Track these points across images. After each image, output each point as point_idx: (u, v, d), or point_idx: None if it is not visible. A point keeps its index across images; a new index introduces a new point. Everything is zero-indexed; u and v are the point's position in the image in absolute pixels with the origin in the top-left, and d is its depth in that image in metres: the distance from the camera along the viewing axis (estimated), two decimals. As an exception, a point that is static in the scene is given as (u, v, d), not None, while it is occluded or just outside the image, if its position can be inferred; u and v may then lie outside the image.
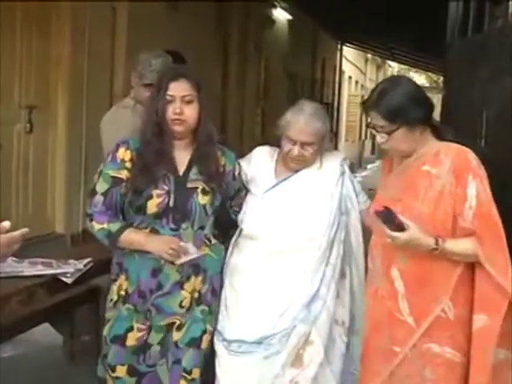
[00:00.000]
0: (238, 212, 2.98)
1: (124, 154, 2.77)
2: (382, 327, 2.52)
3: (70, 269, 3.23)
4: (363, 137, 25.55)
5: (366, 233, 2.88)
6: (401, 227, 2.33)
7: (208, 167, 2.80)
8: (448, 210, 2.36)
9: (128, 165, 2.75)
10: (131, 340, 2.79)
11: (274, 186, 2.96)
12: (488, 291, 2.36)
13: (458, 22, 3.96)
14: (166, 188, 2.73)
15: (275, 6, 12.63)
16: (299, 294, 2.82)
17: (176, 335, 2.81)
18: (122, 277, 2.81)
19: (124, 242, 2.74)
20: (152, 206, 2.71)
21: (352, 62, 22.90)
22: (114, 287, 2.84)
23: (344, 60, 21.01)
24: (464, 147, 2.41)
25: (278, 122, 2.93)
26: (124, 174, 2.75)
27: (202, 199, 2.76)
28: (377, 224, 2.46)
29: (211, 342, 2.87)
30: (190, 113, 2.73)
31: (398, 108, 2.40)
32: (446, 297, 2.39)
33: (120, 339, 2.79)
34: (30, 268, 3.27)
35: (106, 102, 6.05)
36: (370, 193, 2.95)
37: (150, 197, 2.70)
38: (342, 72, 20.90)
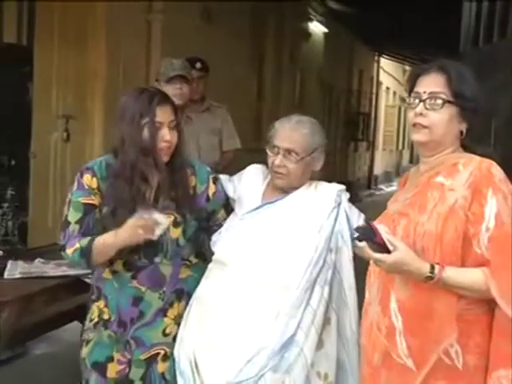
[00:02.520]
0: (219, 229, 2.67)
1: (90, 181, 2.49)
2: (378, 369, 2.06)
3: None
4: (401, 146, 25.39)
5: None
6: (385, 247, 1.89)
7: (180, 194, 2.52)
8: (459, 229, 1.89)
9: (96, 192, 2.48)
10: (112, 372, 2.53)
11: (256, 209, 2.59)
12: (507, 340, 1.85)
13: (470, 32, 3.97)
14: None
15: (311, 20, 12.66)
16: (271, 338, 2.37)
17: (162, 366, 2.53)
18: (102, 302, 2.57)
19: (98, 251, 2.43)
20: None
21: (390, 73, 22.76)
22: (95, 307, 2.59)
23: (382, 71, 20.90)
24: (489, 160, 1.97)
25: (267, 135, 2.61)
26: (96, 200, 2.49)
27: (174, 233, 2.49)
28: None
29: None
30: (175, 139, 2.48)
31: (466, 82, 2.01)
32: (450, 337, 1.91)
33: (101, 368, 2.54)
34: (55, 269, 3.35)
35: (140, 112, 6.11)
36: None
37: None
38: (379, 83, 20.80)
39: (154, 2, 6.59)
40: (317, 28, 13.10)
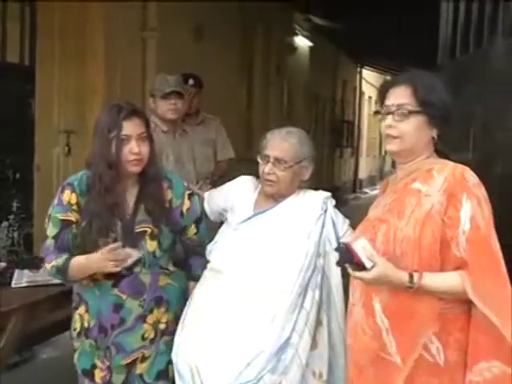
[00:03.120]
0: (190, 243, 2.68)
1: (70, 196, 2.49)
2: (365, 369, 2.05)
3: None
4: (383, 152, 25.45)
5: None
6: (362, 266, 1.89)
7: (155, 206, 2.51)
8: (436, 234, 1.90)
9: (75, 207, 2.47)
10: (98, 378, 2.55)
11: (249, 218, 2.61)
12: (486, 335, 1.87)
13: (447, 44, 3.98)
14: (112, 235, 2.45)
15: (297, 34, 12.71)
16: (268, 341, 2.39)
17: (140, 367, 2.54)
18: (83, 307, 2.56)
19: (73, 272, 2.45)
20: None
21: (371, 83, 22.83)
22: (77, 316, 2.59)
23: (364, 82, 20.98)
24: (462, 165, 1.98)
25: (260, 145, 2.65)
26: (73, 216, 2.47)
27: (150, 246, 2.47)
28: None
29: None
30: (146, 151, 2.46)
31: (433, 90, 2.00)
32: (429, 331, 1.92)
33: (89, 374, 2.57)
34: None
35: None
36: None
37: (97, 247, 2.42)
38: (361, 93, 20.87)
39: (148, 19, 6.58)
40: (302, 42, 13.15)
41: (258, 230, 2.57)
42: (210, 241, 2.72)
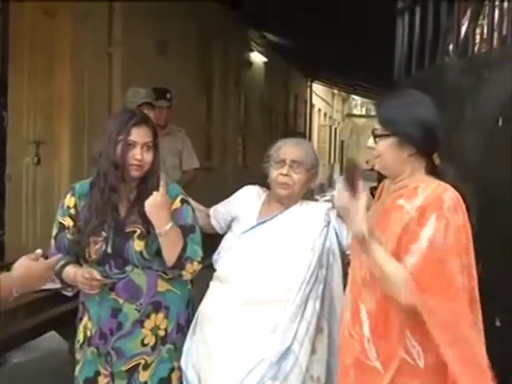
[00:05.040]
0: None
1: (69, 200, 2.50)
2: (349, 369, 2.04)
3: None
4: (332, 160, 25.74)
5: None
6: (353, 189, 1.86)
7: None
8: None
9: (72, 211, 2.48)
10: None
11: (253, 227, 2.54)
12: None
13: (403, 60, 4.02)
14: (104, 234, 2.41)
15: (252, 50, 12.79)
16: (270, 349, 2.35)
17: (143, 375, 2.46)
18: (86, 316, 2.52)
19: (66, 279, 2.43)
20: (91, 253, 2.41)
21: (321, 96, 23.08)
22: (81, 327, 2.55)
23: (314, 95, 21.20)
24: (448, 186, 1.90)
25: (266, 156, 2.59)
26: (67, 221, 2.48)
27: (138, 245, 2.39)
28: (352, 258, 2.10)
29: (180, 378, 2.52)
30: (149, 159, 2.42)
31: (394, 115, 1.97)
32: (408, 335, 1.89)
33: (92, 383, 2.49)
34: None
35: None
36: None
37: (88, 244, 2.40)
38: (312, 105, 21.08)
39: (113, 34, 6.52)
40: (257, 58, 13.24)
41: (262, 240, 2.51)
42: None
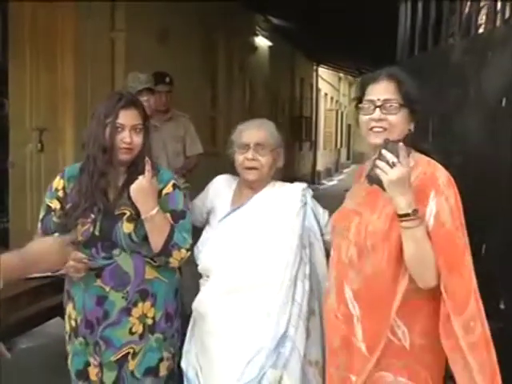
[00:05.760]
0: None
1: (58, 182, 2.47)
2: (337, 352, 2.05)
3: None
4: (339, 145, 25.63)
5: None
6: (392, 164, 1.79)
7: None
8: None
9: (60, 194, 2.44)
10: (93, 375, 2.45)
11: (227, 215, 2.51)
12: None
13: (406, 42, 3.98)
14: (92, 216, 2.36)
15: (257, 35, 12.69)
16: (266, 337, 2.31)
17: (132, 364, 2.42)
18: (70, 305, 2.47)
19: None
20: (78, 235, 2.35)
21: (327, 80, 22.93)
22: (66, 318, 2.51)
23: (320, 79, 21.06)
24: (435, 162, 1.95)
25: (229, 142, 2.55)
26: (54, 204, 2.44)
27: (127, 227, 2.33)
28: (335, 238, 2.09)
29: (170, 367, 2.50)
30: (138, 142, 2.38)
31: (411, 88, 2.00)
32: (394, 317, 1.89)
33: (83, 374, 2.46)
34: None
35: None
36: (346, 194, 2.33)
37: (75, 226, 2.35)
38: (318, 89, 20.94)
39: (116, 21, 6.47)
40: (262, 42, 13.12)
41: (238, 226, 2.47)
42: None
